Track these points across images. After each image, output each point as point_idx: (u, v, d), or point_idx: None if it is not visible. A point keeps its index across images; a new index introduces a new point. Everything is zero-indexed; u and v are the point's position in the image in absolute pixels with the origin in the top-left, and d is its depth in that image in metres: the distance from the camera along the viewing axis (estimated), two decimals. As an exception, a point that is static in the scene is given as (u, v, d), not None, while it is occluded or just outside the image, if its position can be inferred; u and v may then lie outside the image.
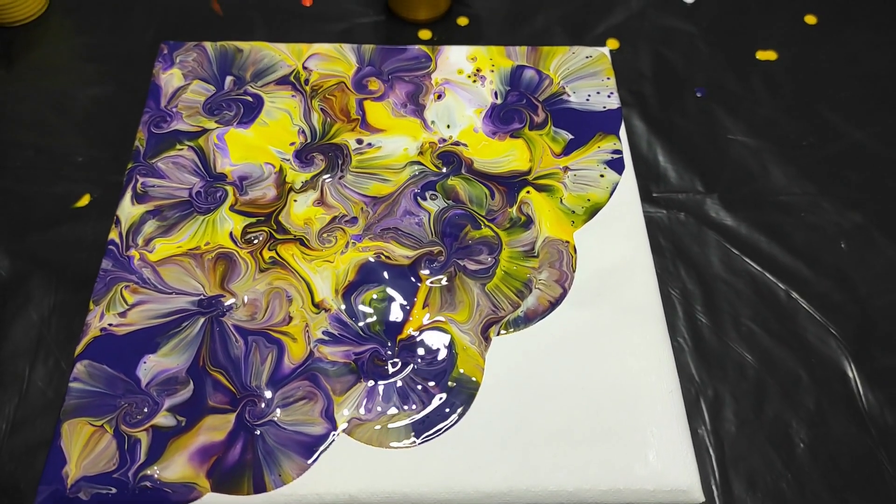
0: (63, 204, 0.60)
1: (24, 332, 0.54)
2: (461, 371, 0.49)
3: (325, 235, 0.54)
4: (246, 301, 0.51)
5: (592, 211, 0.56)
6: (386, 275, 0.52)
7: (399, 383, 0.48)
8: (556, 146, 0.59)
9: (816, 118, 0.68)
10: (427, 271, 0.53)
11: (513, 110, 0.61)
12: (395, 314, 0.51)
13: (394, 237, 0.54)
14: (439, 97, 0.61)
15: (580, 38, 0.72)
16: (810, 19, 0.75)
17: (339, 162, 0.58)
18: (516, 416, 0.48)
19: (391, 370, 0.49)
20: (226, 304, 0.51)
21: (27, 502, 0.48)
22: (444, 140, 0.59)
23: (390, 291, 0.52)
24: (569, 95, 0.62)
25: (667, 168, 0.64)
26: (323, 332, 0.50)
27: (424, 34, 0.72)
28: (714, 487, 0.51)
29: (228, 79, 0.62)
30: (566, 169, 0.58)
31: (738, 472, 0.51)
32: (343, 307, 0.51)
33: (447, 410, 0.48)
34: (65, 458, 0.45)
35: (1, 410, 0.52)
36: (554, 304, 0.52)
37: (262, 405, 0.47)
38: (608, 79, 0.63)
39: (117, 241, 0.53)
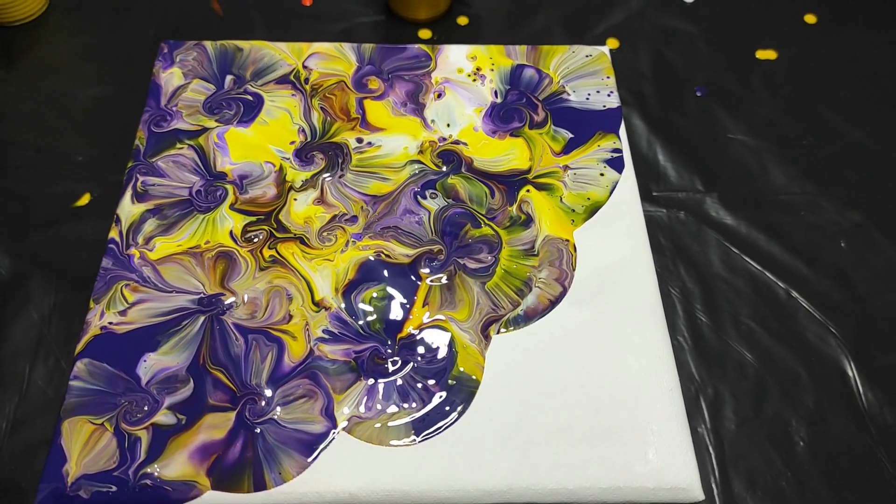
0: (63, 203, 0.60)
1: (24, 332, 0.54)
2: (461, 369, 0.49)
3: (325, 234, 0.54)
4: (246, 299, 0.51)
5: (592, 209, 0.56)
6: (386, 273, 0.52)
7: (399, 381, 0.48)
8: (556, 145, 0.59)
9: (816, 118, 0.68)
10: (427, 270, 0.53)
11: (513, 109, 0.61)
12: (395, 313, 0.51)
13: (394, 236, 0.54)
14: (439, 96, 0.62)
15: (580, 38, 0.72)
16: (810, 19, 0.75)
17: (339, 161, 0.58)
18: (516, 414, 0.48)
19: (391, 368, 0.49)
20: (226, 302, 0.51)
21: (28, 501, 0.48)
22: (444, 139, 0.59)
23: (390, 290, 0.52)
24: (568, 94, 0.62)
25: (667, 167, 0.64)
26: (323, 331, 0.50)
27: (424, 34, 0.72)
28: (714, 486, 0.51)
29: (228, 78, 0.62)
30: (566, 168, 0.58)
31: (738, 470, 0.51)
32: (343, 305, 0.51)
33: (447, 409, 0.48)
34: (65, 457, 0.45)
35: (1, 409, 0.52)
36: (554, 303, 0.52)
37: (263, 403, 0.47)
38: (608, 78, 0.63)
39: (117, 239, 0.53)
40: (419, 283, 0.52)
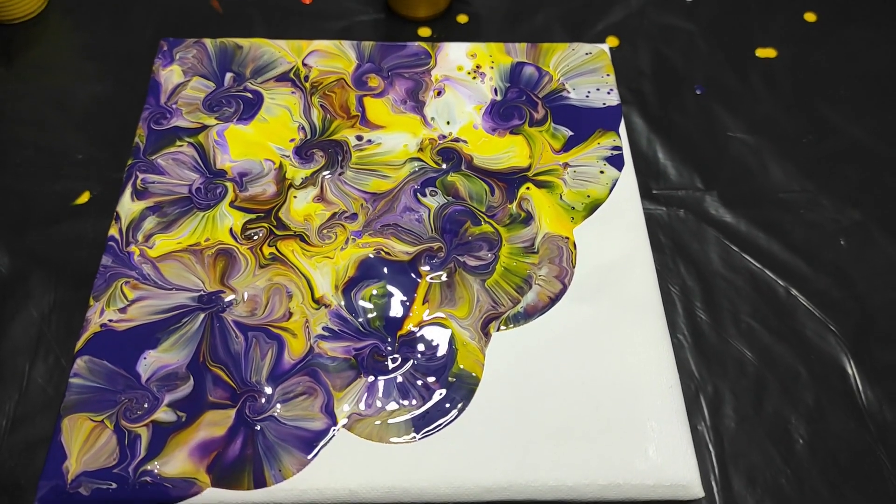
0: (63, 201, 0.60)
1: (24, 330, 0.54)
2: (461, 367, 0.49)
3: (325, 231, 0.54)
4: (246, 297, 0.51)
5: (592, 207, 0.56)
6: (386, 271, 0.52)
7: (399, 379, 0.48)
8: (556, 142, 0.59)
9: (816, 116, 0.68)
10: (427, 267, 0.53)
11: (512, 107, 0.61)
12: (395, 310, 0.51)
13: (394, 233, 0.54)
14: (439, 94, 0.62)
15: (580, 36, 0.72)
16: (810, 17, 0.75)
17: (339, 158, 0.58)
18: (516, 411, 0.48)
19: (391, 366, 0.49)
20: (226, 299, 0.51)
21: (28, 498, 0.48)
22: (444, 136, 0.59)
23: (390, 287, 0.52)
24: (568, 92, 0.62)
25: (666, 165, 0.64)
26: (323, 328, 0.50)
27: (424, 32, 0.72)
28: (714, 483, 0.51)
29: (228, 75, 0.62)
30: (566, 165, 0.58)
31: (738, 468, 0.51)
32: (343, 303, 0.51)
33: (447, 406, 0.48)
34: (65, 454, 0.45)
35: (1, 407, 0.52)
36: (554, 300, 0.52)
37: (263, 400, 0.47)
38: (608, 75, 0.63)
39: (117, 237, 0.53)
40: (419, 280, 0.52)
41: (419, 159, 0.58)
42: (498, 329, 0.51)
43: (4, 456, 0.50)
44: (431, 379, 0.48)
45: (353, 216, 0.55)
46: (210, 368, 0.48)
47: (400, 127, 0.60)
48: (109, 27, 0.71)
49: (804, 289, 0.58)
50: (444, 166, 0.58)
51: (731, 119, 0.67)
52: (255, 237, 0.54)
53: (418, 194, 0.56)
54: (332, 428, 0.47)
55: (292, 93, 0.61)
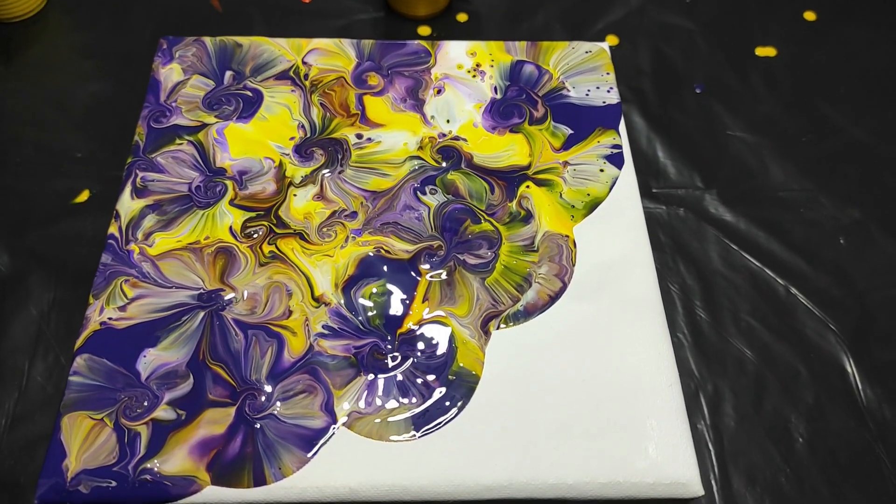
0: (62, 200, 0.60)
1: (23, 328, 0.54)
2: (461, 365, 0.49)
3: (324, 230, 0.54)
4: (246, 295, 0.51)
5: (592, 205, 0.56)
6: (386, 269, 0.52)
7: (399, 377, 0.48)
8: (556, 141, 0.59)
9: (815, 114, 0.68)
10: (427, 265, 0.53)
11: (512, 105, 0.61)
12: (395, 308, 0.51)
13: (393, 231, 0.54)
14: (439, 92, 0.61)
15: (579, 35, 0.72)
16: (809, 16, 0.75)
17: (339, 156, 0.58)
18: (516, 409, 0.48)
19: (391, 364, 0.49)
20: (226, 298, 0.51)
21: (27, 497, 0.48)
22: (444, 135, 0.59)
23: (390, 286, 0.52)
24: (568, 90, 0.62)
25: (666, 164, 0.64)
26: (323, 326, 0.50)
27: (424, 31, 0.72)
28: (713, 482, 0.51)
29: (228, 73, 0.62)
30: (566, 164, 0.58)
31: (738, 466, 0.51)
32: (343, 301, 0.51)
33: (447, 404, 0.48)
34: (65, 452, 0.45)
35: (0, 406, 0.52)
36: (554, 298, 0.52)
37: (262, 399, 0.47)
38: (608, 74, 0.63)
39: (117, 235, 0.53)
40: (419, 278, 0.52)
41: (419, 157, 0.58)
42: (498, 327, 0.51)
43: (4, 454, 0.50)
44: (431, 377, 0.48)
45: (353, 214, 0.55)
46: (210, 366, 0.48)
47: (400, 125, 0.60)
48: (109, 26, 0.71)
49: (804, 287, 0.58)
50: (443, 165, 0.58)
51: (731, 118, 0.67)
52: (255, 235, 0.54)
53: (418, 192, 0.56)
54: (332, 426, 0.47)
55: (292, 91, 0.61)
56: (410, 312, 0.51)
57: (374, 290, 0.52)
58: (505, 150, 0.59)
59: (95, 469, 0.45)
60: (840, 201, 0.63)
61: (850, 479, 0.51)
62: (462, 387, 0.48)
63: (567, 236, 0.54)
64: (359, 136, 0.59)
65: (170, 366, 0.48)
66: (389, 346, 0.49)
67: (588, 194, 0.56)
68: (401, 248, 0.53)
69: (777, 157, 0.65)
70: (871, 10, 0.76)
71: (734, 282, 0.58)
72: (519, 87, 0.62)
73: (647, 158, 0.64)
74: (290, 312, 0.51)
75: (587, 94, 0.62)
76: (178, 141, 0.58)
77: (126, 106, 0.64)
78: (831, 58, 0.72)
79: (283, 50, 0.63)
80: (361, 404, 0.47)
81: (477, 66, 0.63)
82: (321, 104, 0.60)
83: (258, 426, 0.46)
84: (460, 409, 0.48)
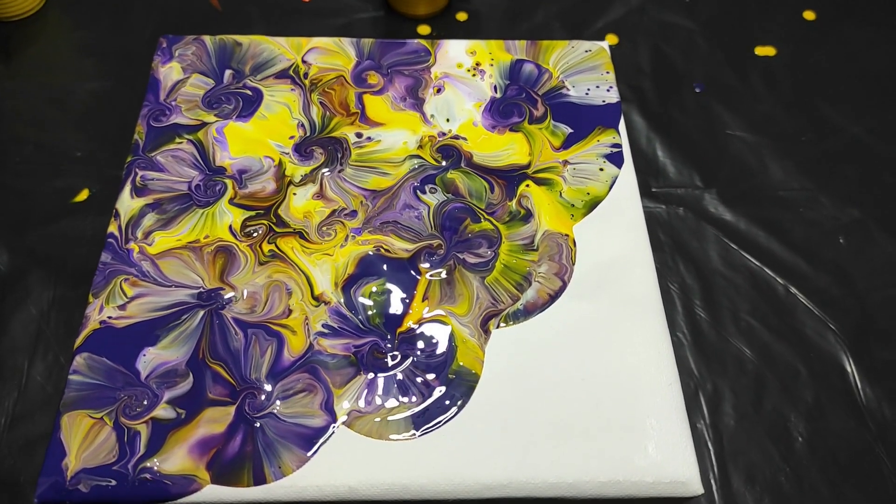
0: (62, 199, 0.60)
1: (23, 327, 0.54)
2: (461, 364, 0.49)
3: (324, 229, 0.54)
4: (245, 294, 0.51)
5: (592, 204, 0.56)
6: (385, 268, 0.52)
7: (399, 376, 0.48)
8: (556, 140, 0.59)
9: (815, 114, 0.68)
10: (427, 264, 0.53)
11: (512, 104, 0.61)
12: (395, 307, 0.51)
13: (393, 230, 0.54)
14: (438, 91, 0.61)
15: (579, 34, 0.72)
16: (809, 15, 0.75)
17: (339, 155, 0.58)
18: (516, 408, 0.48)
19: (391, 363, 0.49)
20: (225, 296, 0.51)
21: (27, 495, 0.48)
22: (444, 134, 0.59)
23: (390, 284, 0.52)
24: (568, 89, 0.62)
25: (666, 163, 0.64)
26: (322, 325, 0.50)
27: (423, 30, 0.72)
28: (713, 481, 0.51)
29: (227, 72, 0.62)
30: (565, 163, 0.58)
31: (737, 465, 0.51)
32: (343, 300, 0.51)
33: (447, 403, 0.48)
34: (64, 451, 0.45)
35: (0, 405, 0.51)
36: (553, 297, 0.52)
37: (262, 397, 0.47)
38: (607, 73, 0.63)
39: (116, 234, 0.53)
40: (419, 277, 0.52)
41: (419, 156, 0.58)
42: (497, 326, 0.51)
43: (4, 453, 0.50)
44: (431, 376, 0.48)
45: (353, 213, 0.55)
46: (210, 365, 0.48)
47: (399, 124, 0.60)
48: (109, 25, 0.71)
49: (803, 287, 0.58)
50: (443, 163, 0.58)
51: (731, 117, 0.67)
52: (255, 234, 0.54)
53: (418, 191, 0.56)
54: (332, 425, 0.47)
55: (292, 90, 0.61)
56: (410, 311, 0.51)
57: (374, 289, 0.52)
58: (505, 149, 0.59)
59: (95, 468, 0.45)
60: (840, 201, 0.63)
61: (850, 478, 0.51)
62: (462, 386, 0.48)
63: (567, 235, 0.54)
64: (358, 135, 0.59)
65: (169, 364, 0.48)
66: (389, 345, 0.49)
67: (588, 193, 0.56)
68: (400, 246, 0.53)
69: (777, 156, 0.65)
70: (870, 10, 0.76)
71: (734, 281, 0.58)
72: (519, 86, 0.62)
73: (647, 158, 0.64)
74: (290, 311, 0.51)
75: (587, 93, 0.62)
76: (177, 140, 0.58)
77: (126, 105, 0.64)
78: (831, 57, 0.72)
79: (282, 49, 0.63)
80: (361, 403, 0.47)
81: (477, 65, 0.63)
82: (321, 103, 0.60)
83: (258, 425, 0.46)
84: (460, 408, 0.48)
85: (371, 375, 0.48)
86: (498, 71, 0.63)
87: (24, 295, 0.56)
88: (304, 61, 0.63)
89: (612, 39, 0.72)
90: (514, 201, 0.56)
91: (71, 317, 0.55)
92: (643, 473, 0.46)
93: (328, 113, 0.60)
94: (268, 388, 0.48)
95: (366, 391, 0.48)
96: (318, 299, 0.51)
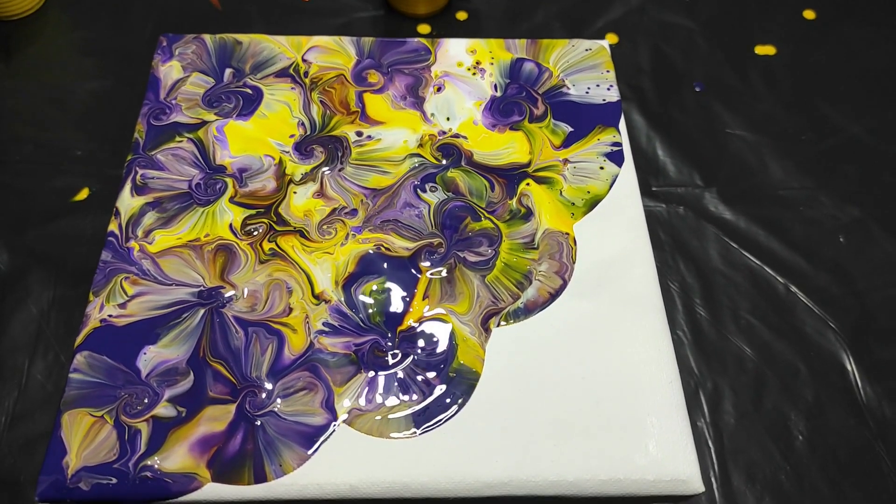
0: (62, 198, 0.60)
1: (23, 326, 0.54)
2: (461, 362, 0.49)
3: (324, 227, 0.54)
4: (246, 293, 0.51)
5: (592, 203, 0.56)
6: (386, 266, 0.52)
7: (399, 374, 0.48)
8: (556, 138, 0.59)
9: (815, 113, 0.68)
10: (427, 263, 0.53)
11: (512, 103, 0.61)
12: (396, 305, 0.51)
13: (394, 229, 0.54)
14: (439, 90, 0.61)
15: (579, 33, 0.72)
16: (809, 14, 0.75)
17: (339, 154, 0.58)
18: (516, 406, 0.48)
19: (391, 361, 0.49)
20: (226, 295, 0.51)
21: (28, 494, 0.48)
22: (444, 132, 0.59)
23: (390, 283, 0.52)
24: (568, 88, 0.62)
25: (666, 162, 0.64)
26: (323, 324, 0.50)
27: (423, 29, 0.72)
28: (713, 480, 0.51)
29: (228, 71, 0.62)
30: (566, 161, 0.58)
31: (737, 464, 0.51)
32: (343, 298, 0.51)
33: (447, 401, 0.48)
34: (65, 449, 0.45)
35: (0, 404, 0.51)
36: (554, 296, 0.52)
37: (263, 396, 0.47)
38: (608, 71, 0.63)
39: (117, 232, 0.53)
40: (419, 276, 0.52)
41: (419, 155, 0.58)
42: (498, 325, 0.51)
43: (4, 452, 0.50)
44: (432, 374, 0.48)
45: (353, 212, 0.55)
46: (210, 364, 0.48)
47: (400, 123, 0.60)
48: (108, 24, 0.71)
49: (803, 286, 0.58)
50: (444, 162, 0.58)
51: (731, 116, 0.67)
52: (255, 233, 0.54)
53: (418, 190, 0.56)
54: (333, 423, 0.46)
55: (292, 88, 0.61)
56: (411, 310, 0.51)
57: (375, 288, 0.52)
58: (505, 147, 0.59)
59: (96, 466, 0.45)
60: (840, 199, 0.63)
61: (850, 476, 0.51)
62: (462, 384, 0.48)
63: (567, 234, 0.54)
64: (359, 134, 0.59)
65: (170, 363, 0.48)
66: (390, 344, 0.49)
67: (588, 192, 0.56)
68: (401, 245, 0.53)
69: (777, 155, 0.65)
70: (870, 9, 0.76)
71: (734, 280, 0.58)
72: (519, 85, 0.62)
73: (647, 157, 0.64)
74: (291, 310, 0.50)
75: (587, 92, 0.62)
76: (177, 138, 0.58)
77: (126, 104, 0.64)
78: (831, 56, 0.72)
79: (282, 47, 0.63)
80: (362, 401, 0.47)
81: (477, 63, 0.63)
82: (321, 102, 0.60)
83: (258, 423, 0.46)
84: (461, 407, 0.48)
85: (372, 374, 0.48)
86: (498, 69, 0.63)
87: (24, 294, 0.56)
88: (304, 60, 0.63)
89: (612, 39, 0.72)
90: (515, 200, 0.56)
91: (71, 316, 0.55)
92: (644, 471, 0.46)
93: (328, 111, 0.60)
94: (268, 386, 0.48)
95: (366, 389, 0.48)
96: (318, 298, 0.51)
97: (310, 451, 0.46)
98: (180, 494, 0.44)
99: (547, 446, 0.46)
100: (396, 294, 0.51)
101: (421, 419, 0.47)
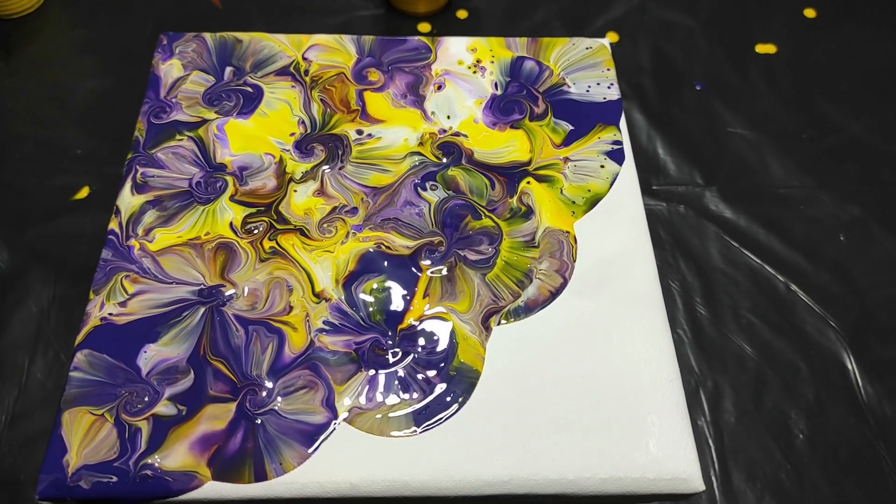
0: (62, 196, 0.60)
1: (23, 325, 0.54)
2: (462, 360, 0.49)
3: (325, 225, 0.54)
4: (246, 291, 0.51)
5: (593, 201, 0.56)
6: (386, 265, 0.52)
7: (400, 372, 0.48)
8: (557, 137, 0.59)
9: (815, 112, 0.68)
10: (427, 261, 0.53)
11: (513, 101, 0.61)
12: (396, 304, 0.51)
13: (394, 227, 0.54)
14: (439, 88, 0.61)
15: (579, 32, 0.72)
16: (809, 13, 0.75)
17: (339, 152, 0.58)
18: (517, 405, 0.48)
19: (392, 360, 0.49)
20: (226, 293, 0.51)
21: (28, 493, 0.48)
22: (445, 131, 0.59)
23: (391, 281, 0.52)
24: (569, 86, 0.62)
25: (666, 161, 0.64)
26: (323, 322, 0.50)
27: (424, 27, 0.72)
28: (714, 478, 0.51)
29: (228, 69, 0.62)
30: (566, 160, 0.58)
31: (738, 463, 0.51)
32: (343, 297, 0.51)
33: (448, 399, 0.48)
34: (65, 447, 0.45)
35: (0, 403, 0.51)
36: (554, 294, 0.52)
37: (263, 394, 0.47)
38: (608, 70, 0.63)
39: (117, 230, 0.53)
40: (420, 274, 0.52)
41: (419, 153, 0.58)
42: (498, 323, 0.51)
43: (4, 451, 0.50)
44: (432, 373, 0.48)
45: (354, 210, 0.55)
46: (210, 362, 0.48)
47: (400, 121, 0.60)
48: (108, 22, 0.71)
49: (804, 284, 0.58)
50: (444, 160, 0.58)
51: (731, 115, 0.67)
52: (256, 231, 0.54)
53: (419, 188, 0.56)
54: (333, 421, 0.46)
55: (292, 87, 0.61)
56: (411, 308, 0.51)
57: (375, 286, 0.51)
58: (505, 146, 0.59)
59: (96, 464, 0.44)
60: (840, 198, 0.63)
61: (850, 475, 0.51)
62: (463, 382, 0.48)
63: (568, 232, 0.54)
64: (359, 132, 0.59)
65: (170, 361, 0.48)
66: (390, 342, 0.49)
67: (589, 190, 0.56)
68: (401, 243, 0.53)
69: (777, 154, 0.65)
70: (871, 8, 0.76)
71: (734, 278, 0.58)
72: (519, 83, 0.62)
73: (648, 155, 0.64)
74: (291, 308, 0.50)
75: (588, 91, 0.62)
76: (178, 137, 0.58)
77: (126, 102, 0.64)
78: (831, 55, 0.72)
79: (283, 46, 0.63)
80: (362, 400, 0.47)
81: (477, 62, 0.63)
82: (321, 100, 0.60)
83: (259, 422, 0.46)
84: (461, 405, 0.48)
85: (372, 372, 0.48)
86: (499, 68, 0.63)
87: (24, 293, 0.56)
88: (304, 58, 0.63)
89: (612, 37, 0.72)
90: (515, 198, 0.56)
91: (71, 314, 0.55)
92: (644, 470, 0.46)
93: (329, 110, 0.60)
94: (269, 384, 0.48)
95: (367, 388, 0.48)
96: (318, 296, 0.51)
97: (310, 450, 0.45)
98: (181, 493, 0.44)
99: (547, 445, 0.46)
100: (397, 292, 0.51)
101: (421, 417, 0.47)
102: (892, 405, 0.54)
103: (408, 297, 0.51)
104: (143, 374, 0.48)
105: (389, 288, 0.51)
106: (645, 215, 0.56)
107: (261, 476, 0.45)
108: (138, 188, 0.55)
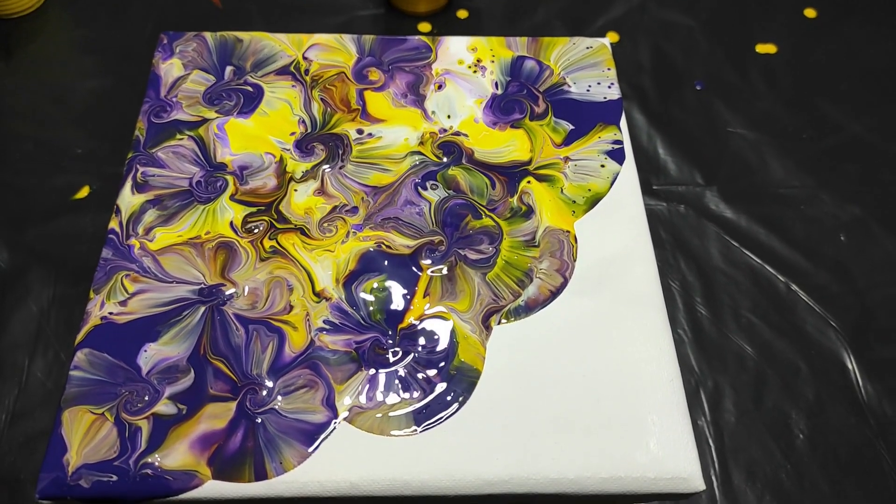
0: (62, 196, 0.60)
1: (23, 325, 0.54)
2: (462, 360, 0.49)
3: (325, 225, 0.54)
4: (246, 290, 0.51)
5: (593, 201, 0.56)
6: (387, 264, 0.52)
7: (400, 372, 0.48)
8: (557, 136, 0.59)
9: (815, 111, 0.68)
10: (428, 261, 0.53)
11: (513, 101, 0.61)
12: (396, 303, 0.51)
13: (394, 227, 0.54)
14: (440, 87, 0.61)
15: (580, 32, 0.72)
16: (810, 13, 0.75)
17: (340, 152, 0.58)
18: (517, 404, 0.48)
19: (392, 359, 0.49)
20: (226, 293, 0.51)
21: (28, 492, 0.48)
22: (445, 130, 0.59)
23: (391, 281, 0.52)
24: (569, 86, 0.62)
25: (666, 161, 0.64)
26: (324, 321, 0.50)
27: (424, 27, 0.72)
28: (714, 478, 0.51)
29: (228, 69, 0.62)
30: (567, 159, 0.58)
31: (738, 462, 0.51)
32: (344, 296, 0.51)
33: (448, 399, 0.48)
34: (65, 446, 0.45)
35: (0, 402, 0.51)
36: (555, 294, 0.52)
37: (263, 393, 0.47)
38: (609, 69, 0.63)
39: (117, 230, 0.53)
40: (420, 273, 0.52)
41: (420, 153, 0.58)
42: (499, 322, 0.51)
43: (4, 450, 0.50)
44: (432, 372, 0.48)
45: (354, 209, 0.55)
46: (211, 361, 0.48)
47: (400, 121, 0.60)
48: (108, 22, 0.71)
49: (804, 284, 0.58)
50: (444, 160, 0.58)
51: (731, 115, 0.67)
52: (256, 230, 0.54)
53: (419, 188, 0.56)
54: (333, 421, 0.46)
55: (292, 86, 0.61)
56: (411, 307, 0.51)
57: (375, 285, 0.51)
58: (506, 145, 0.59)
59: (96, 463, 0.44)
60: (840, 198, 0.63)
61: (851, 475, 0.51)
62: (463, 382, 0.48)
63: (568, 231, 0.54)
64: (359, 132, 0.59)
65: (170, 360, 0.48)
66: (390, 341, 0.49)
67: (589, 190, 0.56)
68: (402, 243, 0.53)
69: (777, 153, 0.65)
70: (871, 8, 0.76)
71: (735, 278, 0.58)
72: (520, 83, 0.62)
73: (648, 155, 0.64)
74: (291, 307, 0.50)
75: (588, 90, 0.62)
76: (178, 136, 0.58)
77: (126, 102, 0.64)
78: (832, 55, 0.72)
79: (283, 45, 0.63)
80: (362, 399, 0.47)
81: (478, 61, 0.63)
82: (322, 99, 0.60)
83: (259, 421, 0.46)
84: (461, 404, 0.47)
85: (372, 371, 0.48)
86: (499, 67, 0.63)
87: (24, 292, 0.56)
88: (304, 58, 0.63)
89: (612, 37, 0.72)
90: (516, 198, 0.56)
91: (71, 314, 0.55)
92: (644, 469, 0.46)
93: (329, 109, 0.60)
94: (269, 383, 0.48)
95: (367, 387, 0.48)
96: (319, 295, 0.51)
97: (310, 449, 0.45)
98: (181, 492, 0.44)
99: (548, 444, 0.46)
100: (397, 292, 0.51)
101: (422, 417, 0.47)
102: (892, 405, 0.54)
103: (408, 297, 0.51)
104: (144, 373, 0.48)
105: (390, 287, 0.51)
106: (645, 215, 0.56)
107: (261, 475, 0.45)
108: (139, 187, 0.55)
